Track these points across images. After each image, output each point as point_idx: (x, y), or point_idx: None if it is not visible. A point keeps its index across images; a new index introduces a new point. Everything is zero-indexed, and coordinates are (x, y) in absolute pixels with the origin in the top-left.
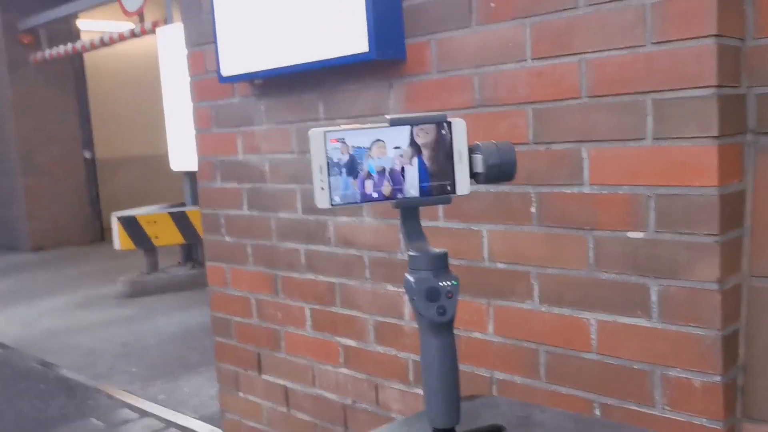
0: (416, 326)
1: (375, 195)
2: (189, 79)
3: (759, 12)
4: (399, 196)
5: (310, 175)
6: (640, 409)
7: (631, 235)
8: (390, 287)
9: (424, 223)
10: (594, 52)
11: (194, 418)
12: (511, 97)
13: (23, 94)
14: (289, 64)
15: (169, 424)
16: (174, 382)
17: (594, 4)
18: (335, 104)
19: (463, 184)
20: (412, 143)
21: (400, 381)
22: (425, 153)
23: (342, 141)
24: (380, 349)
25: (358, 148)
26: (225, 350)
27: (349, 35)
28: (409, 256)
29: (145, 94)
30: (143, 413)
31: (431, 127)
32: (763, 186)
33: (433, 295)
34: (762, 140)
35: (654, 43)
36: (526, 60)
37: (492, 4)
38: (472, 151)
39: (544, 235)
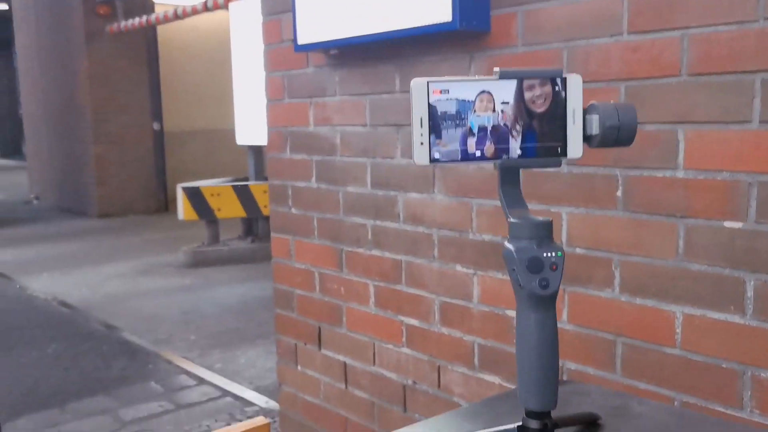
0: (484, 309)
1: (477, 153)
2: (263, 48)
3: None
4: (503, 156)
5: (382, 149)
6: (726, 411)
7: (728, 224)
8: (459, 268)
9: (496, 202)
10: (698, 26)
11: (250, 388)
12: (604, 73)
13: (98, 64)
14: (366, 34)
15: (226, 393)
16: (231, 352)
17: None
18: (413, 76)
19: (575, 146)
20: (520, 99)
21: (464, 365)
22: (535, 110)
23: (446, 92)
24: (445, 330)
25: (462, 101)
26: (285, 323)
27: (430, 4)
28: (510, 223)
29: (215, 68)
30: (200, 380)
31: (543, 82)
32: None
33: (535, 266)
34: None
35: (767, 18)
36: (622, 34)
37: None
38: (587, 111)
39: (630, 221)
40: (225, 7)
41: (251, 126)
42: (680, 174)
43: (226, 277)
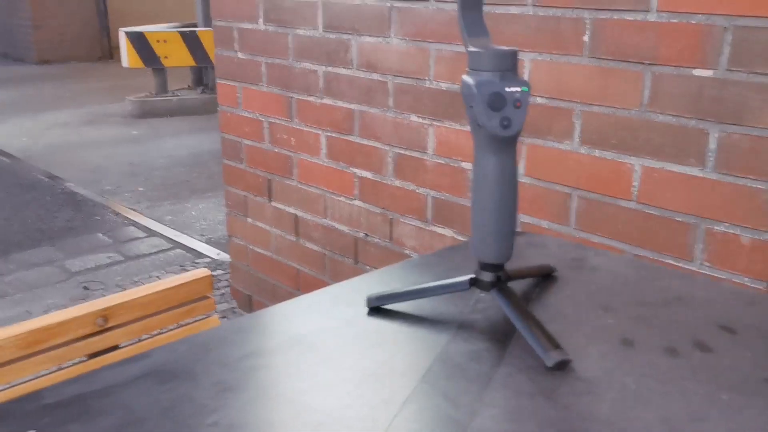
0: (439, 161)
1: None
2: None
3: None
4: None
5: None
6: (677, 264)
7: (698, 72)
8: (414, 118)
9: (456, 48)
10: None
11: (200, 240)
12: None
13: None
14: None
15: (176, 244)
16: (181, 204)
17: None
18: None
19: None
20: None
21: (416, 218)
22: None
23: None
24: (398, 183)
25: None
26: (234, 174)
27: None
28: (469, 52)
29: None
30: (150, 232)
31: None
32: None
33: (497, 102)
34: None
35: None
36: None
37: None
38: None
39: (595, 68)
40: None
41: None
42: (652, 17)
43: (175, 129)
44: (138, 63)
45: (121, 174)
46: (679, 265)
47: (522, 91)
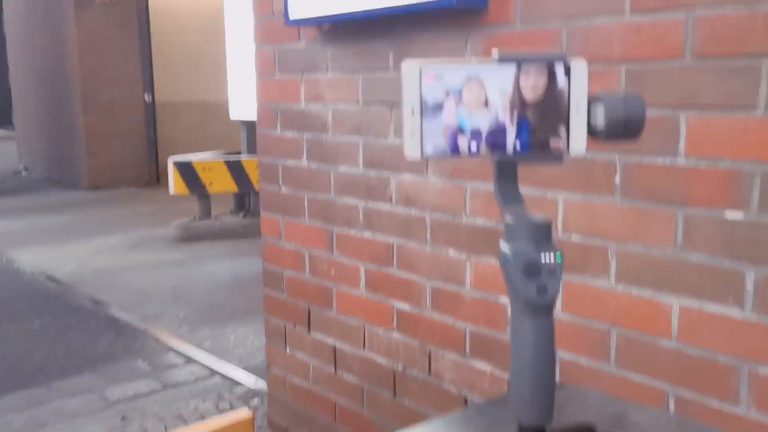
0: (476, 296)
1: (473, 148)
2: (254, 20)
3: None
4: (500, 151)
5: (375, 128)
6: (721, 407)
7: (730, 214)
8: (452, 252)
9: (491, 185)
10: (704, 6)
11: (239, 367)
12: (604, 54)
13: (87, 33)
14: (360, 9)
15: (214, 372)
16: (220, 329)
17: None
18: (407, 54)
19: (578, 140)
20: (516, 87)
21: (455, 351)
22: (534, 99)
23: (440, 77)
24: (436, 316)
25: (452, 89)
26: (274, 304)
27: None
28: (506, 223)
29: (209, 39)
30: (189, 359)
31: (541, 69)
32: None
33: (533, 270)
34: None
35: None
36: (623, 13)
37: None
38: (591, 101)
39: (628, 209)
40: None
41: (245, 100)
42: (681, 161)
43: (217, 252)
44: (184, 190)
45: (164, 298)
46: (725, 409)
47: (556, 259)
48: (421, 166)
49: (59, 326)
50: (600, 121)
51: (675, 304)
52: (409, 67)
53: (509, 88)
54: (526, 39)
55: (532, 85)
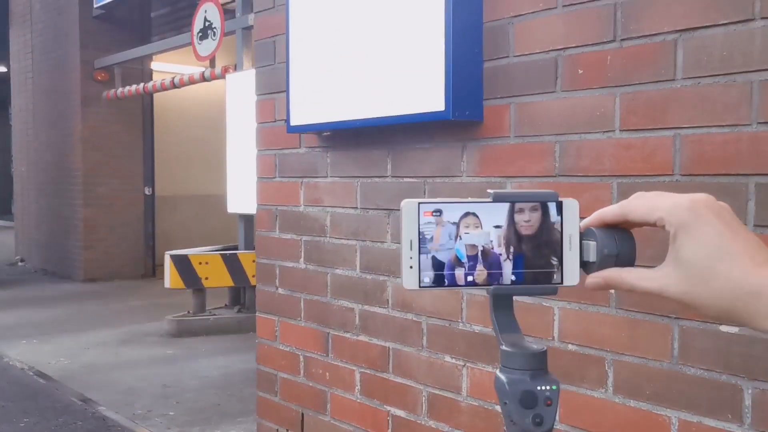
0: (474, 403)
1: (469, 279)
2: (256, 126)
3: None
4: (495, 283)
5: (372, 232)
6: None
7: (724, 328)
8: (448, 358)
9: (486, 294)
10: (691, 127)
11: None
12: (595, 168)
13: (93, 128)
14: (359, 118)
15: None
16: (210, 430)
17: (694, 77)
18: (404, 162)
19: (571, 273)
20: (511, 223)
21: None
22: (528, 234)
23: (437, 213)
24: (432, 423)
25: (450, 223)
26: (267, 406)
27: (424, 93)
28: (502, 351)
29: (210, 134)
30: None
31: (537, 206)
32: None
33: (529, 401)
34: None
35: (761, 122)
36: (614, 131)
37: (579, 71)
38: (584, 236)
39: (623, 319)
40: (222, 77)
41: (242, 194)
42: None
43: (210, 348)
44: (179, 284)
45: (154, 396)
46: None
47: (552, 389)
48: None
49: (47, 425)
50: (592, 255)
51: (674, 417)
52: (408, 203)
53: (504, 223)
54: (521, 151)
55: (527, 220)
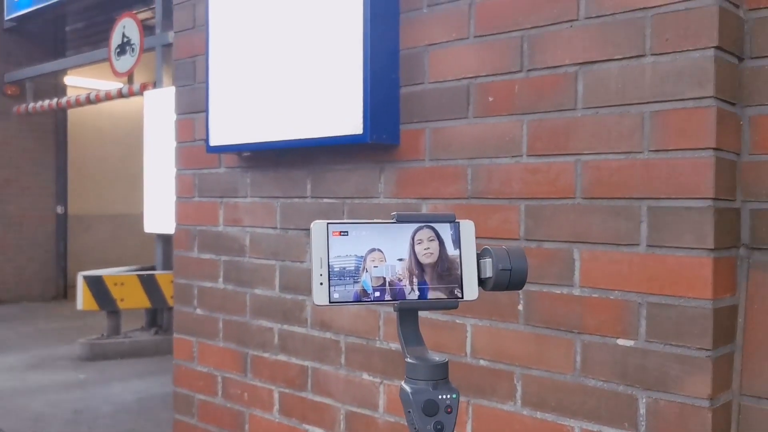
0: (390, 419)
1: (376, 294)
2: (175, 145)
3: (755, 129)
4: (400, 299)
5: (292, 252)
6: None
7: (621, 342)
8: (366, 376)
9: None
10: (591, 153)
11: None
12: (505, 191)
13: (2, 143)
14: (279, 139)
15: None
16: None
17: (593, 107)
18: (323, 183)
19: (470, 289)
20: (412, 252)
21: None
22: (429, 252)
23: (345, 234)
24: None
25: (359, 257)
26: (185, 430)
27: (343, 116)
28: (407, 363)
29: (126, 153)
30: None
31: (434, 236)
32: (754, 302)
33: (431, 408)
34: (754, 255)
35: (652, 150)
36: (521, 156)
37: (490, 98)
38: (481, 255)
39: (531, 335)
40: (140, 93)
41: (160, 214)
42: (576, 291)
43: (125, 372)
44: (93, 305)
45: (64, 422)
46: None
47: (452, 398)
48: None
49: None
50: (488, 271)
51: (577, 428)
52: (318, 224)
53: (406, 255)
54: (435, 174)
55: (426, 248)
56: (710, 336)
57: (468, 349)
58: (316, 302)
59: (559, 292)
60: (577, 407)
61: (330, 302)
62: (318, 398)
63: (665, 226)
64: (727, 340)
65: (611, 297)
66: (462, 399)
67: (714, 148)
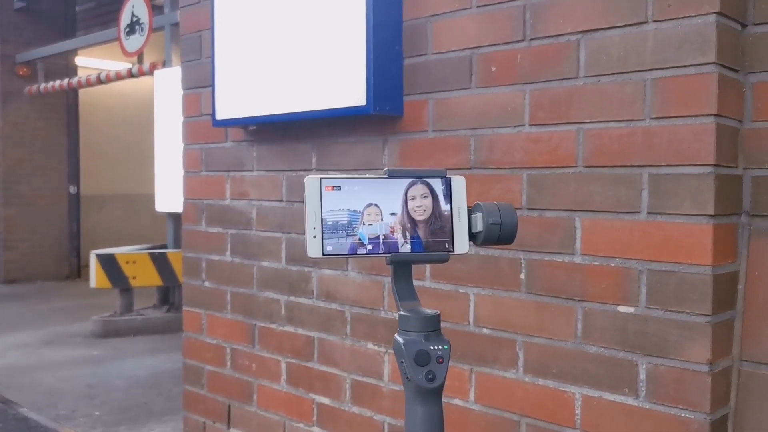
0: (395, 388)
1: (369, 247)
2: (182, 120)
3: (758, 96)
4: (394, 251)
5: (298, 225)
6: None
7: (622, 309)
8: (371, 345)
9: None
10: (592, 122)
11: None
12: (507, 161)
13: (14, 124)
14: (284, 112)
15: None
16: (137, 429)
17: (594, 75)
18: (328, 155)
19: (461, 242)
20: (405, 208)
21: None
22: (422, 209)
23: (338, 188)
24: (356, 409)
25: (352, 211)
26: (194, 399)
27: (346, 88)
28: (400, 316)
29: (137, 133)
30: None
31: (430, 182)
32: (755, 268)
33: (422, 358)
34: (756, 222)
35: (653, 118)
36: (523, 125)
37: (492, 68)
38: (472, 210)
39: (532, 303)
40: (150, 73)
41: (171, 193)
42: (578, 259)
43: (137, 348)
44: (106, 283)
45: (78, 397)
46: None
47: (444, 348)
48: (341, 261)
49: None
50: (479, 226)
51: (578, 393)
52: (311, 179)
53: (399, 210)
54: (438, 145)
55: (419, 206)
56: (710, 302)
57: (471, 318)
58: (310, 254)
59: (560, 260)
60: (578, 374)
61: (323, 254)
62: (324, 368)
63: (666, 193)
64: (727, 306)
65: (612, 264)
66: (465, 367)
67: (715, 115)
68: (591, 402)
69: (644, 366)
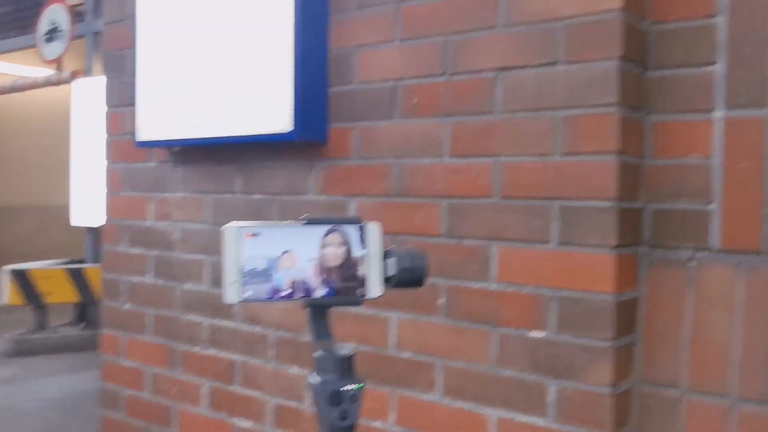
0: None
1: (286, 293)
2: (106, 138)
3: (657, 134)
4: (309, 297)
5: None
6: None
7: (533, 334)
8: (295, 369)
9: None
10: (508, 155)
11: None
12: (428, 189)
13: None
14: (208, 136)
15: None
16: None
17: (510, 111)
18: (254, 179)
19: (375, 287)
20: (324, 246)
21: None
22: (335, 257)
23: (257, 236)
24: None
25: (270, 258)
26: (112, 425)
27: (272, 113)
28: (314, 357)
29: (54, 141)
30: None
31: (346, 229)
32: (654, 296)
33: (336, 399)
34: (655, 253)
35: (563, 153)
36: (443, 156)
37: (415, 100)
38: (387, 254)
39: (451, 328)
40: (70, 81)
41: (88, 206)
42: (493, 286)
43: (53, 367)
44: (18, 300)
45: None
46: None
47: (356, 388)
48: None
49: None
50: (392, 270)
51: (493, 415)
52: (230, 228)
53: (315, 257)
54: (363, 172)
55: (334, 253)
56: (612, 327)
57: (393, 341)
58: (227, 300)
59: (477, 286)
60: (493, 396)
61: (240, 300)
62: (246, 391)
63: (574, 224)
64: (628, 331)
65: (525, 291)
66: (386, 389)
67: (618, 152)
68: (505, 423)
69: (553, 388)
